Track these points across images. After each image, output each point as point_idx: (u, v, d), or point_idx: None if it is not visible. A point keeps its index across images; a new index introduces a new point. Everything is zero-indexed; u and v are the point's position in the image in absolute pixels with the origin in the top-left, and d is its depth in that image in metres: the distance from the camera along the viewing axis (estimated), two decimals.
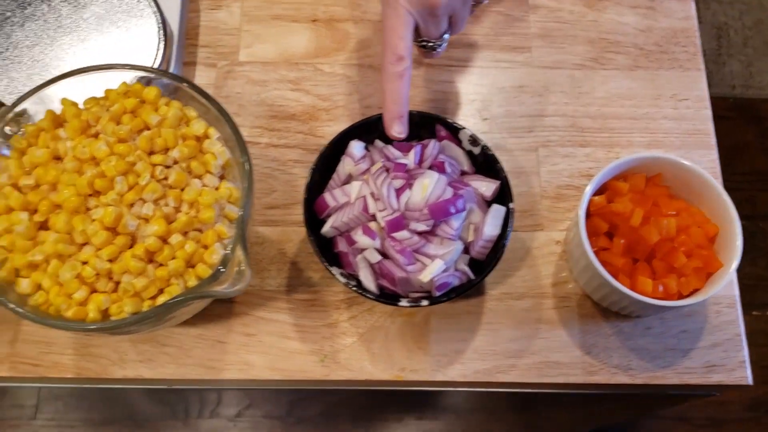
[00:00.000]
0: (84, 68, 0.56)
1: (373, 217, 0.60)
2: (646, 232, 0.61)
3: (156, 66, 0.67)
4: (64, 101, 0.57)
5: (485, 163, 0.63)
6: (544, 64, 0.77)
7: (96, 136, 0.56)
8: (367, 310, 0.67)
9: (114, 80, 0.58)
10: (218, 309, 0.66)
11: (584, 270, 0.64)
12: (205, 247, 0.54)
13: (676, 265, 0.61)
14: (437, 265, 0.58)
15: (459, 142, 0.64)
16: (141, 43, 0.68)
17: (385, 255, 0.60)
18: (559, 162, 0.73)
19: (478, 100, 0.75)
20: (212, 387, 0.66)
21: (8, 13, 0.68)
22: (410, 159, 0.62)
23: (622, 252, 0.63)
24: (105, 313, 0.52)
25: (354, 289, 0.59)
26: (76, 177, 0.53)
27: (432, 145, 0.62)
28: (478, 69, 0.76)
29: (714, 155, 0.73)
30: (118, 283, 0.53)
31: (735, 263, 0.60)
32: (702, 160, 0.73)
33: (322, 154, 0.63)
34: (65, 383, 0.65)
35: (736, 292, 0.68)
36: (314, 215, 0.62)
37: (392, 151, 0.62)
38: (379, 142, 0.65)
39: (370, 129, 0.65)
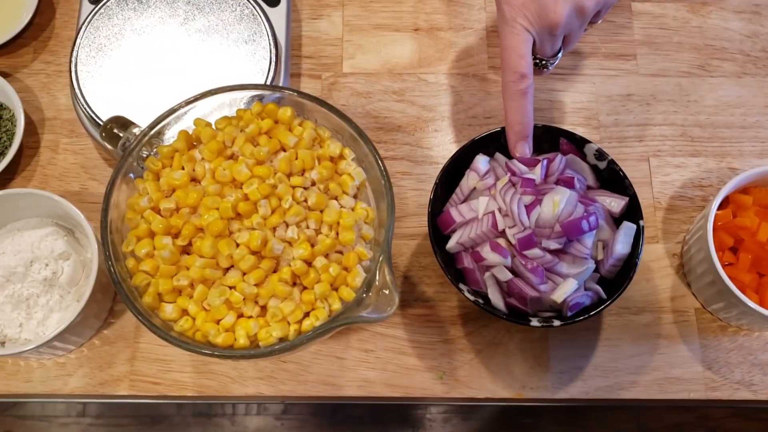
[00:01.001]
0: (216, 89, 0.56)
1: (502, 234, 0.59)
2: None
3: (269, 80, 0.66)
4: (197, 122, 0.56)
5: (611, 178, 0.62)
6: (650, 71, 0.75)
7: (232, 157, 0.55)
8: (484, 326, 0.66)
9: (229, 98, 0.57)
10: None
11: (709, 285, 0.63)
12: (346, 269, 0.53)
13: None
14: (570, 285, 0.57)
15: (583, 156, 0.63)
16: (253, 57, 0.67)
17: (514, 272, 0.59)
18: (671, 172, 0.71)
19: (586, 108, 0.74)
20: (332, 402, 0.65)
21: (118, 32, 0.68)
22: (536, 174, 0.61)
23: (749, 267, 0.62)
24: (252, 339, 0.51)
25: (483, 308, 0.59)
26: (218, 200, 0.52)
27: (558, 160, 0.61)
28: (584, 77, 0.75)
29: None
30: (262, 307, 0.52)
31: None
32: None
33: (446, 167, 0.62)
34: (186, 401, 0.64)
35: None
36: (437, 230, 0.61)
37: (518, 166, 0.61)
38: (500, 156, 0.64)
39: (490, 142, 0.64)
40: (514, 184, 0.60)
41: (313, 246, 0.53)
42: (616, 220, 0.62)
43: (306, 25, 0.76)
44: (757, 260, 0.62)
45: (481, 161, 0.62)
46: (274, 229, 0.53)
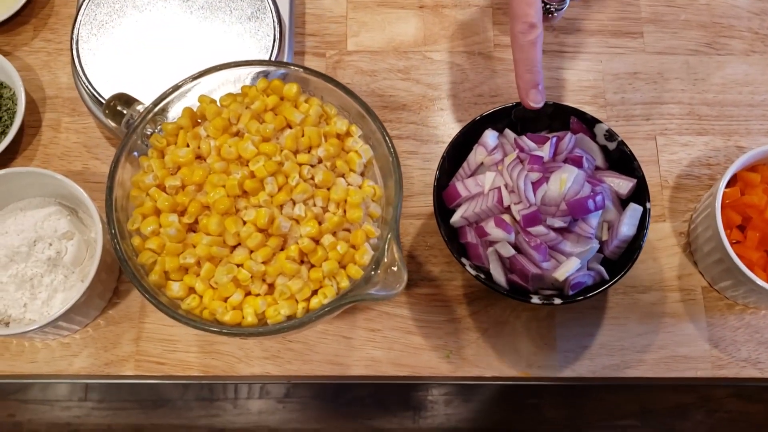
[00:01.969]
0: (222, 65, 0.55)
1: (507, 210, 0.59)
2: None
3: (273, 58, 0.66)
4: (202, 98, 0.55)
5: (620, 159, 0.61)
6: (657, 49, 0.75)
7: (237, 134, 0.55)
8: (490, 305, 0.66)
9: (233, 75, 0.56)
10: None
11: (716, 264, 0.63)
12: (354, 247, 0.53)
13: None
14: (573, 264, 0.57)
15: (593, 136, 0.63)
16: (256, 34, 0.66)
17: (517, 249, 0.59)
18: (678, 151, 0.71)
19: (592, 87, 0.73)
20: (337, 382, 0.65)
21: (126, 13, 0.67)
22: (545, 151, 0.60)
23: (757, 245, 0.62)
24: (260, 317, 0.51)
25: (484, 282, 0.58)
26: (224, 178, 0.52)
27: (568, 138, 0.61)
28: (590, 55, 0.74)
29: None
30: (270, 285, 0.52)
31: None
32: None
33: (454, 141, 0.61)
34: (191, 381, 0.64)
35: None
36: (442, 204, 0.61)
37: (526, 143, 0.61)
38: (509, 132, 0.63)
39: (500, 118, 0.63)
40: (522, 161, 0.60)
41: (320, 224, 0.52)
42: (623, 202, 0.61)
43: (309, 2, 0.75)
44: (764, 238, 0.62)
45: (489, 136, 0.61)
46: (280, 206, 0.52)
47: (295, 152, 0.54)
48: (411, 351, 0.64)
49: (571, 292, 0.58)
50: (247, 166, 0.53)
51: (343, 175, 0.55)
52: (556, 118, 0.63)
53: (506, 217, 0.59)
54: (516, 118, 0.63)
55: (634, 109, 0.72)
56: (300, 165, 0.53)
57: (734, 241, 0.63)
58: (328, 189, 0.54)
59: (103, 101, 0.64)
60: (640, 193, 0.60)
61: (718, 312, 0.66)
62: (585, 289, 0.58)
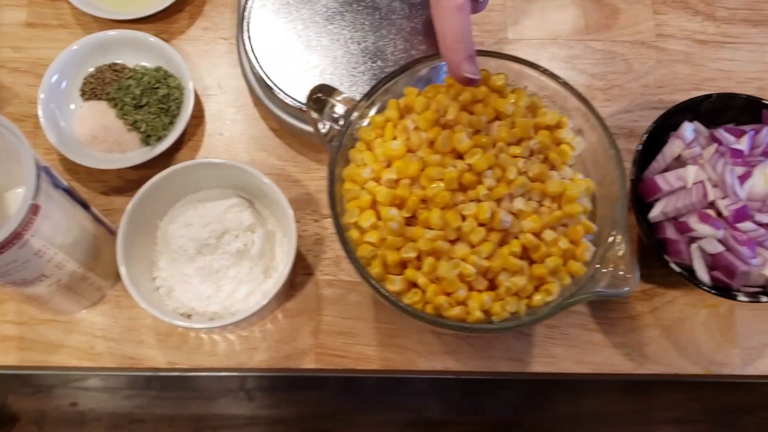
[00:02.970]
0: (430, 56, 0.54)
1: (710, 205, 0.58)
2: None
3: None
4: (409, 90, 0.54)
5: None
6: None
7: (444, 126, 0.53)
8: (669, 301, 0.65)
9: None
10: None
11: None
12: (573, 243, 0.51)
13: None
14: None
15: None
16: (429, 24, 0.65)
17: (721, 245, 0.57)
18: None
19: (758, 78, 0.71)
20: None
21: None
22: (743, 144, 0.59)
23: None
24: (485, 313, 0.50)
25: (690, 279, 0.57)
26: (441, 171, 0.50)
27: (765, 131, 0.59)
28: (754, 46, 0.73)
29: None
30: (490, 281, 0.51)
31: None
32: None
33: (649, 133, 0.60)
34: (369, 374, 0.63)
35: None
36: (639, 199, 0.60)
37: (723, 136, 0.59)
38: (699, 125, 0.61)
39: (687, 110, 0.62)
40: (722, 155, 0.58)
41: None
42: None
43: None
44: None
45: (688, 128, 0.60)
46: (498, 201, 0.51)
47: (508, 144, 0.53)
48: (591, 348, 0.63)
49: None
50: (461, 159, 0.52)
51: (555, 169, 0.54)
52: (745, 111, 0.61)
53: (711, 213, 0.58)
54: (705, 111, 0.62)
55: None
56: (514, 157, 0.52)
57: None
58: (542, 182, 0.52)
59: (280, 92, 0.63)
60: None
61: None
62: None
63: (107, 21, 0.70)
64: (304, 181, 0.67)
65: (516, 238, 0.51)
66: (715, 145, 0.59)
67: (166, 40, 0.69)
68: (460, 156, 0.52)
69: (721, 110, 0.62)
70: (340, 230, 0.50)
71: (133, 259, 0.59)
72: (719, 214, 0.57)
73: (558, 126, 0.54)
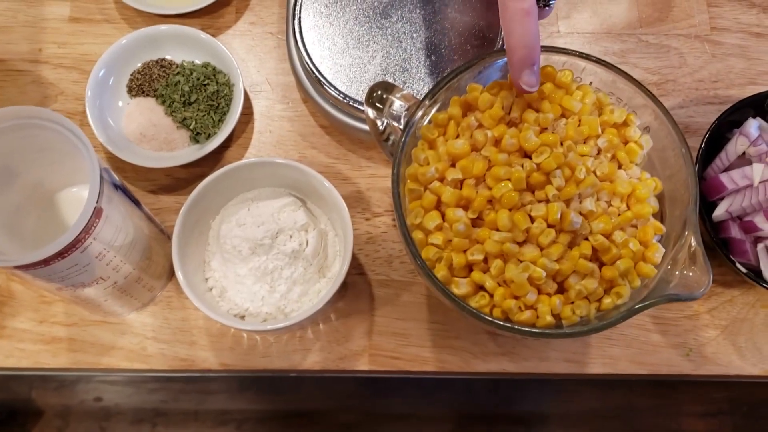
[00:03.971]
0: (495, 52, 0.52)
1: None
2: None
3: (501, 45, 0.63)
4: (472, 87, 0.53)
5: None
6: None
7: (511, 124, 0.52)
8: (728, 301, 0.64)
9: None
10: None
11: None
12: (642, 244, 0.50)
13: None
14: None
15: None
16: (483, 18, 0.63)
17: None
18: None
19: None
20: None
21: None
22: None
23: None
24: (555, 317, 0.49)
25: (755, 281, 0.56)
26: (509, 171, 0.49)
27: None
28: None
29: None
30: (559, 284, 0.50)
31: None
32: None
33: (712, 129, 0.59)
34: (425, 375, 0.62)
35: None
36: (703, 198, 0.58)
37: None
38: (762, 121, 0.60)
39: (746, 106, 0.60)
40: None
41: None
42: None
43: None
44: None
45: (753, 125, 0.58)
46: (567, 201, 0.50)
47: (575, 143, 0.51)
48: (649, 348, 0.62)
49: None
50: (528, 158, 0.50)
51: (620, 167, 0.52)
52: None
53: None
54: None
55: None
56: (582, 156, 0.51)
57: None
58: (611, 182, 0.51)
59: (330, 87, 0.62)
60: None
61: None
62: None
63: (152, 15, 0.69)
64: (354, 178, 0.66)
65: (585, 239, 0.50)
66: None
67: (212, 35, 0.68)
68: (526, 155, 0.51)
69: None
70: (406, 231, 0.49)
71: (187, 260, 0.58)
72: None
73: (625, 124, 0.53)
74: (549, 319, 0.48)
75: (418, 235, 0.50)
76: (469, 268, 0.50)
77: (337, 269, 0.60)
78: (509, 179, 0.49)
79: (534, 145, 0.50)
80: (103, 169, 0.48)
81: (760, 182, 0.56)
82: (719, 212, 0.58)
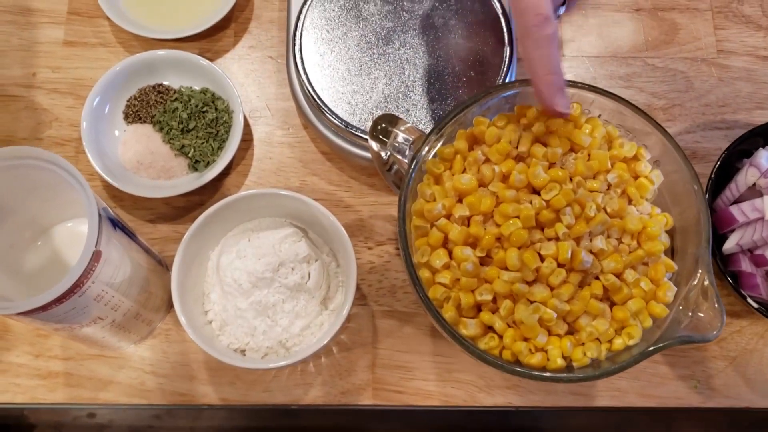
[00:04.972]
0: (511, 83, 0.51)
1: None
2: None
3: (505, 72, 0.62)
4: (478, 120, 0.51)
5: None
6: None
7: (519, 158, 0.51)
8: (736, 332, 0.63)
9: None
10: None
11: None
12: (653, 282, 0.49)
13: None
14: None
15: None
16: (487, 44, 0.62)
17: None
18: None
19: None
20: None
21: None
22: None
23: None
24: (566, 359, 0.48)
25: (765, 315, 0.55)
26: (517, 208, 0.48)
27: None
28: None
29: None
30: (569, 324, 0.48)
31: None
32: None
33: (722, 160, 0.58)
34: (430, 409, 0.61)
35: None
36: (714, 230, 0.57)
37: None
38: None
39: (755, 135, 0.59)
40: None
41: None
42: None
43: None
44: None
45: (763, 156, 0.57)
46: (577, 239, 0.49)
47: (584, 178, 0.50)
48: (657, 380, 0.61)
49: None
50: (536, 193, 0.49)
51: (630, 202, 0.51)
52: None
53: None
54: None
55: None
56: (591, 192, 0.50)
57: None
58: (620, 218, 0.50)
59: (331, 113, 0.61)
60: None
61: None
62: None
63: (148, 39, 0.68)
64: (356, 206, 0.65)
65: (596, 278, 0.49)
66: None
67: (210, 60, 0.67)
68: (535, 191, 0.50)
69: None
70: (413, 270, 0.48)
71: (186, 293, 0.56)
72: None
73: (635, 158, 0.52)
74: (560, 362, 0.47)
75: (425, 274, 0.49)
76: (478, 307, 0.49)
77: (340, 301, 0.59)
78: (518, 216, 0.48)
79: (543, 181, 0.49)
80: (102, 208, 0.46)
81: None
82: (729, 245, 0.57)
